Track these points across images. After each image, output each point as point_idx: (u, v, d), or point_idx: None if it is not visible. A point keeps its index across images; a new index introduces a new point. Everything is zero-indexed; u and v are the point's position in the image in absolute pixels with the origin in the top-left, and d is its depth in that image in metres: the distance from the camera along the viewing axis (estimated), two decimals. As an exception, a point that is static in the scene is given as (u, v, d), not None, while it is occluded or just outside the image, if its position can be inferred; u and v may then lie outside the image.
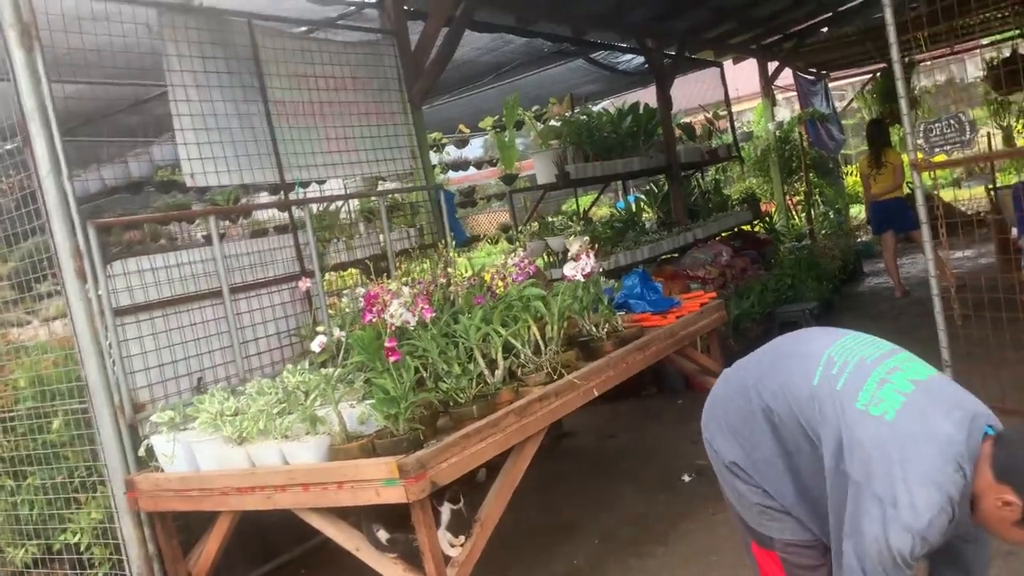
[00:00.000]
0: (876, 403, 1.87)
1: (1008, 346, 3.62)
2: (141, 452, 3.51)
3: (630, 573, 3.60)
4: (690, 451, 4.95)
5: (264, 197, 6.50)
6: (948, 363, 3.45)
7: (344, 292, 4.69)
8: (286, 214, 4.47)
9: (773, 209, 10.54)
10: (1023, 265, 5.04)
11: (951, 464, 1.76)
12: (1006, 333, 3.52)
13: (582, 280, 3.99)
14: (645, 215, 8.74)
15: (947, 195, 13.24)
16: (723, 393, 2.27)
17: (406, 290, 3.50)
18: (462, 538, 3.14)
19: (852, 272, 9.64)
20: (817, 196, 10.89)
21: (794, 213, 10.75)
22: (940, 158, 3.52)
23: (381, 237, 5.04)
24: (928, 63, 12.78)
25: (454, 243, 4.79)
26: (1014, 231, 6.84)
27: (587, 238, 4.28)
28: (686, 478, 4.57)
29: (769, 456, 2.08)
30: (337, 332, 3.59)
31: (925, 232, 3.45)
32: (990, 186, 9.13)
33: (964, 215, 9.54)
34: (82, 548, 3.67)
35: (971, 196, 11.80)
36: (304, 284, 4.28)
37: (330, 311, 4.44)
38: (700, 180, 9.59)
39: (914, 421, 1.82)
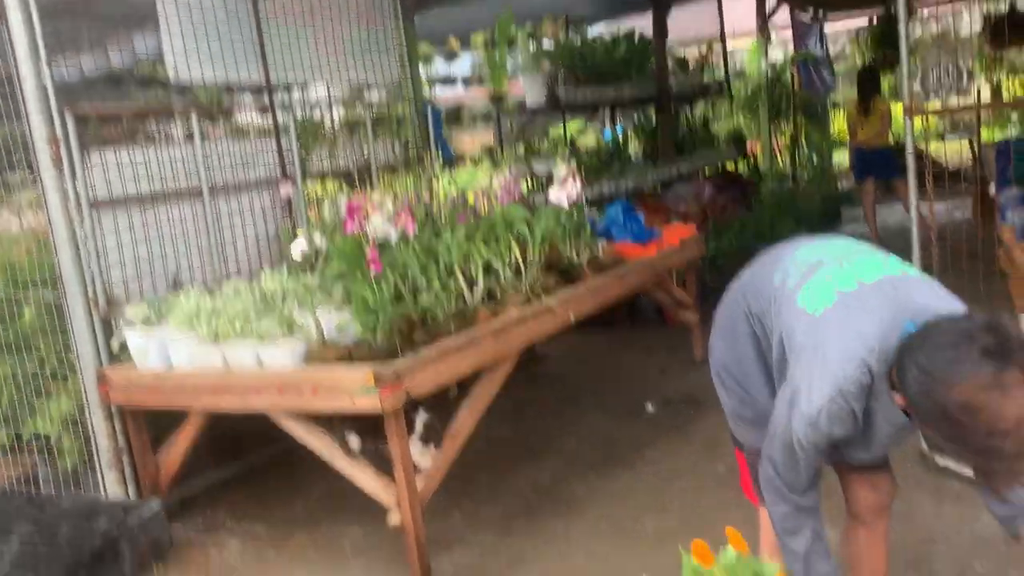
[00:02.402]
0: (813, 300, 1.89)
1: (982, 299, 3.68)
2: (114, 347, 3.50)
3: (594, 494, 3.68)
4: (659, 382, 5.03)
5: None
6: (920, 311, 3.51)
7: (325, 200, 4.65)
8: (269, 120, 4.36)
9: (759, 149, 10.50)
10: (1001, 220, 5.08)
11: (852, 361, 1.76)
12: (980, 286, 3.57)
13: (566, 205, 3.98)
14: (631, 147, 8.67)
15: (932, 147, 13.28)
16: (725, 300, 2.29)
17: (389, 203, 3.48)
18: (432, 449, 3.19)
19: (831, 217, 9.69)
20: (803, 140, 10.85)
21: (779, 155, 10.72)
22: (933, 105, 3.50)
23: (365, 149, 4.97)
24: (926, 12, 12.63)
25: (440, 160, 4.74)
26: (993, 186, 6.90)
27: (575, 163, 4.24)
28: (650, 408, 4.65)
29: (750, 359, 2.11)
30: (318, 239, 3.56)
31: (911, 177, 3.46)
32: (973, 140, 9.16)
33: (946, 168, 9.58)
34: (51, 438, 3.69)
35: (960, 149, 11.83)
36: (285, 189, 4.23)
37: (310, 218, 4.39)
38: (689, 115, 9.51)
39: (836, 318, 1.83)
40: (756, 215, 7.71)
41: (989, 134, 11.42)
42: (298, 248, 3.30)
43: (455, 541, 3.40)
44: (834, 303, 1.86)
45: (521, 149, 6.87)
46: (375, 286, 3.00)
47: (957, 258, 3.63)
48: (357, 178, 4.00)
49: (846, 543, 2.33)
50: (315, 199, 4.72)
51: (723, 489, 3.49)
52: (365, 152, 4.94)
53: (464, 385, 3.46)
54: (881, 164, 7.81)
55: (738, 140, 9.45)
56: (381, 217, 3.26)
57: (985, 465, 1.63)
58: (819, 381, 1.79)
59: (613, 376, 5.41)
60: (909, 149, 3.47)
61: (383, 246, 3.30)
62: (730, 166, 9.27)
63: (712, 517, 3.19)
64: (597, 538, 3.31)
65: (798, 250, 2.13)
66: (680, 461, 3.91)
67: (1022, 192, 5.27)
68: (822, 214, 9.21)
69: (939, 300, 1.84)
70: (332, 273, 3.25)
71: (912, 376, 1.64)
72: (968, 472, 3.32)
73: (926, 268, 3.63)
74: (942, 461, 3.46)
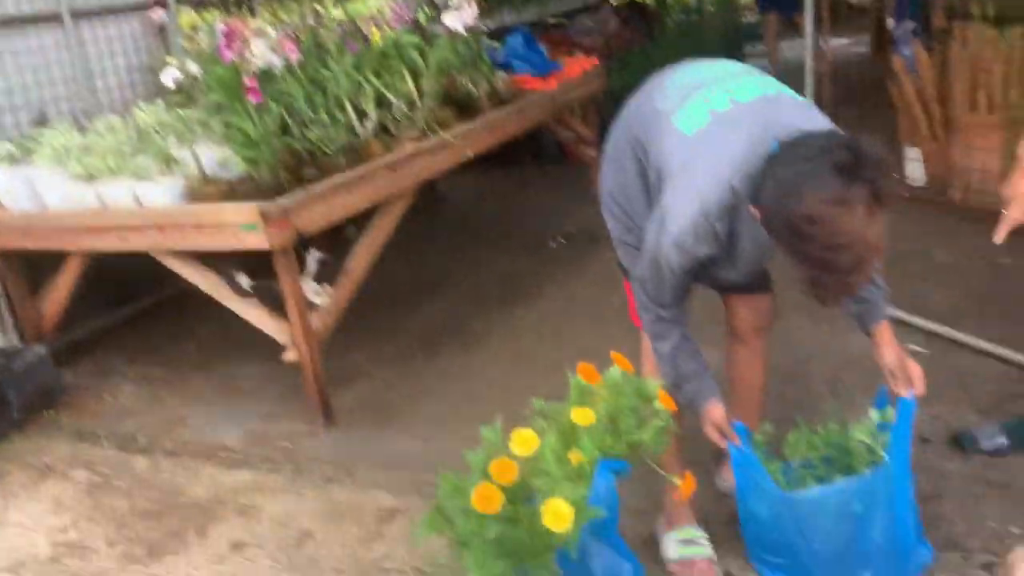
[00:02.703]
0: (688, 122, 1.87)
1: (876, 131, 3.76)
2: (-23, 187, 3.26)
3: (494, 327, 3.74)
4: (560, 218, 5.05)
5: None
6: (811, 141, 3.56)
7: (202, 28, 4.31)
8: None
9: (665, -20, 10.22)
10: (895, 53, 5.14)
11: (717, 182, 1.76)
12: (875, 119, 3.63)
13: (463, 33, 3.80)
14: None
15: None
16: (613, 127, 2.23)
17: (271, 30, 3.24)
18: (328, 287, 3.15)
19: (733, 51, 9.64)
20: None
21: (685, -14, 10.47)
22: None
23: (246, -29, 4.59)
24: None
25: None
26: (890, 20, 6.95)
27: (471, -12, 4.02)
28: (552, 244, 4.69)
29: (635, 186, 2.09)
30: (193, 68, 3.32)
31: (808, 9, 3.42)
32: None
33: (847, 2, 9.59)
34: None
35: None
36: (156, 14, 3.89)
37: (186, 47, 4.08)
38: (595, -58, 9.11)
39: (706, 138, 1.82)
40: (661, 47, 7.59)
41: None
42: (169, 76, 3.07)
43: (356, 376, 3.42)
44: (707, 123, 1.83)
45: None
46: (257, 118, 2.84)
47: (854, 91, 3.66)
48: (236, 3, 3.70)
49: (727, 362, 2.43)
50: (191, 26, 4.38)
51: (618, 320, 3.57)
52: (245, -25, 4.57)
53: (362, 224, 3.38)
54: (784, -2, 7.75)
55: (645, -30, 9.15)
56: (262, 44, 3.04)
57: (818, 277, 1.67)
58: (685, 201, 1.79)
59: (515, 214, 5.40)
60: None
61: (266, 76, 3.10)
62: (636, -3, 9.01)
63: (605, 346, 3.28)
64: (496, 367, 3.39)
65: (680, 73, 2.08)
66: (578, 294, 3.98)
67: (916, 25, 5.32)
68: (725, 47, 9.13)
69: (810, 120, 1.83)
70: (210, 105, 3.05)
71: (767, 189, 1.66)
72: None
73: (819, 101, 3.67)
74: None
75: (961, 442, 2.50)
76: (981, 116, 4.09)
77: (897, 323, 3.27)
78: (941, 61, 4.46)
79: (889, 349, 2.06)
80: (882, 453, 1.97)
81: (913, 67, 4.63)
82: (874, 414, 2.07)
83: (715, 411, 2.01)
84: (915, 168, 4.70)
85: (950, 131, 4.37)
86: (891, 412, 2.02)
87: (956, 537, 2.16)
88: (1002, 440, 2.45)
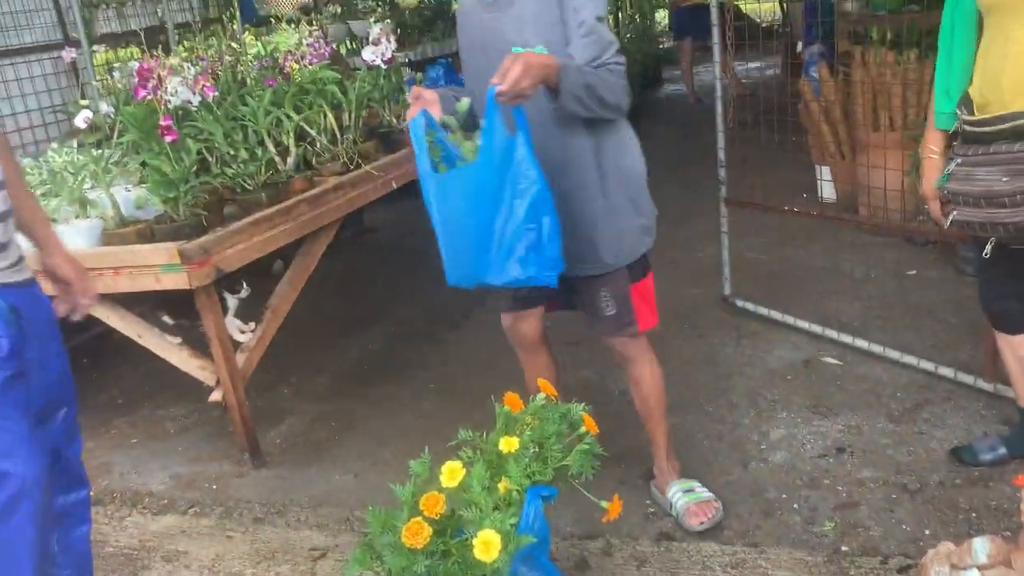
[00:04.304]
0: None
1: (788, 149, 3.90)
2: None
3: (423, 358, 3.74)
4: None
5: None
6: (723, 163, 3.68)
7: (116, 66, 4.25)
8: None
9: (583, 9, 10.45)
10: (804, 75, 5.35)
11: None
12: (782, 137, 3.77)
13: (383, 67, 3.82)
14: (456, 6, 8.40)
15: (745, 6, 13.66)
16: None
17: (188, 67, 3.22)
18: (252, 324, 3.12)
19: (652, 78, 9.89)
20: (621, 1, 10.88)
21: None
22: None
23: (159, 7, 4.54)
24: None
25: (240, 18, 4.41)
26: (800, 44, 7.23)
27: (388, 22, 4.06)
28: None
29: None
30: (105, 108, 3.27)
31: (716, 33, 3.55)
32: (784, -1, 9.49)
33: (759, 26, 9.91)
34: None
35: (773, 8, 12.21)
36: (68, 55, 3.82)
37: (100, 88, 4.02)
38: (513, -28, 9.27)
39: None
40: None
41: (799, -7, 11.84)
42: (83, 118, 3.01)
43: (284, 413, 3.39)
44: None
45: (338, 9, 6.49)
46: (174, 157, 2.81)
47: (766, 112, 3.80)
48: (148, 41, 3.66)
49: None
50: (104, 65, 4.31)
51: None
52: (159, 11, 4.52)
53: (290, 259, 3.36)
54: (699, 24, 7.98)
55: None
56: (177, 81, 3.02)
57: None
58: None
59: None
60: (714, 3, 3.53)
61: (183, 113, 3.08)
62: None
63: (535, 370, 3.33)
64: (425, 399, 3.39)
65: None
66: (506, 320, 4.02)
67: (823, 49, 5.55)
68: (643, 74, 9.37)
69: None
70: (125, 145, 3.00)
71: None
72: (763, 311, 3.62)
73: (728, 123, 3.80)
74: (741, 303, 3.74)
75: (961, 456, 2.52)
76: (883, 135, 4.29)
77: (811, 336, 3.40)
78: (845, 83, 4.67)
79: None
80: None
81: (819, 90, 4.83)
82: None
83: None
84: (826, 187, 4.89)
85: (856, 150, 4.57)
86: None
87: (873, 542, 2.24)
88: (1002, 451, 2.49)
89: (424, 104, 2.10)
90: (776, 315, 3.57)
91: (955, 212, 2.17)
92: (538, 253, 2.01)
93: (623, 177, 2.23)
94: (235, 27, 3.86)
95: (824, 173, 4.87)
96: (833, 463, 2.61)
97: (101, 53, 4.33)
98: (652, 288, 2.37)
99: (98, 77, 4.05)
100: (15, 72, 3.77)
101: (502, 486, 1.79)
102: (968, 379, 2.89)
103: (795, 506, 2.43)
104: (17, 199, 1.86)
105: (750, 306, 3.69)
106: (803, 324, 3.46)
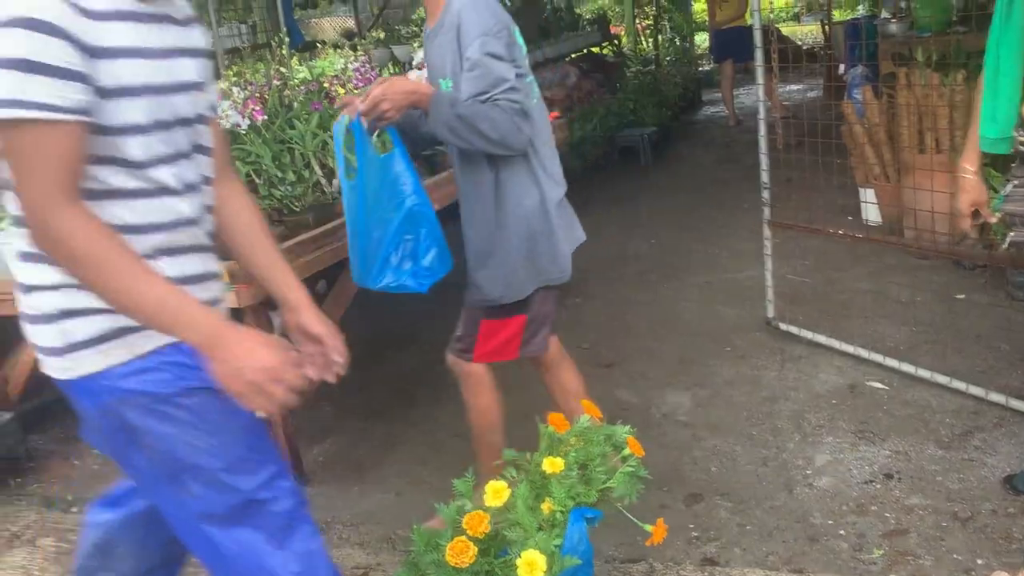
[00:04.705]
0: None
1: (832, 171, 3.88)
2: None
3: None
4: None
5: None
6: (767, 185, 3.66)
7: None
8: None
9: (623, 32, 10.51)
10: (847, 97, 5.31)
11: None
12: (825, 159, 3.74)
13: (425, 90, 3.88)
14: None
15: (786, 29, 13.65)
16: None
17: (237, 91, 3.30)
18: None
19: (692, 100, 9.89)
20: (666, 22, 10.91)
21: (642, 38, 10.77)
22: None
23: (210, 34, 4.66)
24: None
25: (288, 43, 4.50)
26: (842, 66, 7.19)
27: (432, 46, 4.11)
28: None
29: None
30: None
31: (759, 57, 3.54)
32: (824, 21, 9.46)
33: (801, 48, 9.88)
34: None
35: (815, 31, 12.18)
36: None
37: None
38: (552, -4, 9.37)
39: None
40: (619, 99, 7.78)
41: (841, 14, 11.81)
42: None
43: (326, 431, 3.42)
44: None
45: (381, 34, 6.59)
46: (224, 179, 2.87)
47: (809, 134, 3.78)
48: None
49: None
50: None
51: (587, 367, 3.63)
52: (210, 37, 4.64)
53: (333, 279, 3.40)
54: (739, 46, 7.96)
55: (602, 23, 9.41)
56: (227, 105, 3.09)
57: None
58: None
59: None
60: (757, 25, 3.53)
61: (234, 138, 3.14)
62: (595, 49, 9.25)
63: (575, 392, 3.32)
64: (463, 418, 3.39)
65: None
66: (546, 341, 4.02)
67: (867, 71, 5.52)
68: (683, 96, 9.38)
69: None
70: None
71: None
72: (807, 334, 3.58)
73: (772, 144, 3.79)
74: (784, 326, 3.70)
75: (1014, 484, 2.47)
76: (930, 157, 4.24)
77: (856, 360, 3.36)
78: (889, 105, 4.63)
79: None
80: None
81: (863, 112, 4.79)
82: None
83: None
84: (870, 209, 4.84)
85: (901, 172, 4.52)
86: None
87: (924, 571, 2.20)
88: None
89: (351, 112, 2.19)
90: (821, 338, 3.53)
91: (1012, 233, 2.14)
92: (413, 262, 2.24)
93: (522, 216, 2.29)
94: (283, 52, 3.93)
95: (868, 195, 4.82)
96: (881, 489, 2.56)
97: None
98: (514, 332, 2.43)
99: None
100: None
101: (546, 507, 1.79)
102: (1020, 406, 2.83)
103: (842, 532, 2.39)
104: (247, 240, 1.64)
105: (794, 329, 3.65)
106: (848, 348, 3.42)
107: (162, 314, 1.31)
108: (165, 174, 1.40)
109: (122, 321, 1.38)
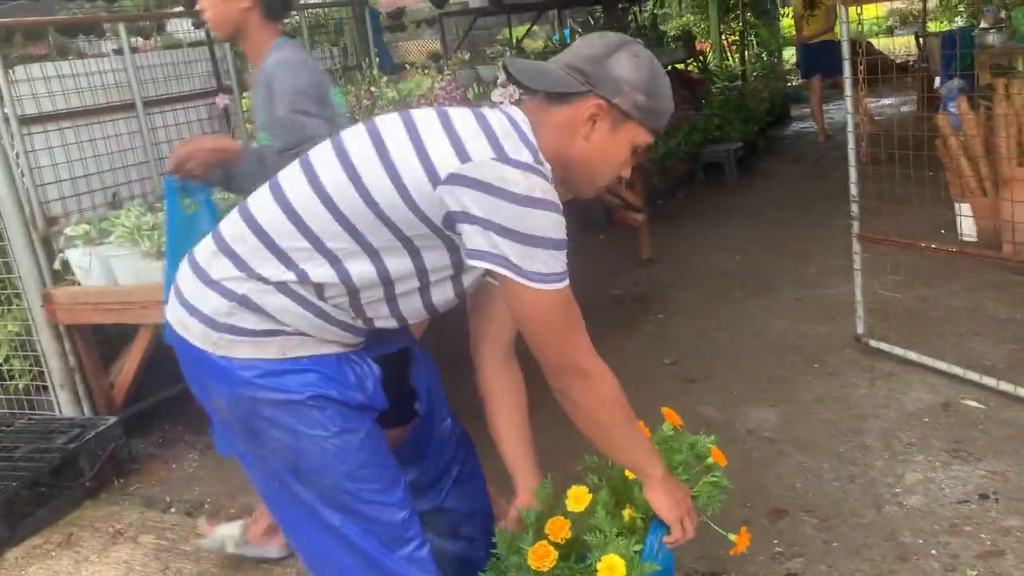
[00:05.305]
0: None
1: (925, 186, 3.78)
2: (56, 266, 3.47)
3: (541, 388, 3.75)
4: (607, 282, 5.12)
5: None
6: (856, 198, 3.59)
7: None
8: (202, 31, 4.23)
9: (708, 48, 10.44)
10: (942, 110, 5.16)
11: None
12: (917, 173, 3.65)
13: (511, 107, 3.95)
14: (580, 48, 8.55)
15: (879, 42, 13.30)
16: None
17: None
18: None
19: (779, 115, 9.74)
20: (752, 37, 10.80)
21: (728, 53, 10.68)
22: (871, -5, 3.50)
23: (304, 56, 4.86)
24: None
25: (378, 65, 4.65)
26: (937, 79, 6.98)
27: (517, 64, 4.19)
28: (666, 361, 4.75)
29: None
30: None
31: (846, 70, 3.48)
32: (919, 33, 9.20)
33: (893, 62, 9.64)
34: (1, 360, 3.67)
35: (908, 44, 11.86)
36: (222, 101, 4.14)
37: (249, 130, 4.32)
38: (637, 14, 9.38)
39: None
40: (705, 115, 7.72)
41: (937, 26, 11.46)
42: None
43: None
44: None
45: (467, 55, 6.73)
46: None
47: (902, 148, 3.69)
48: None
49: None
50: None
51: (667, 379, 3.62)
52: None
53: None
54: (827, 60, 7.80)
55: (688, 39, 9.37)
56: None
57: None
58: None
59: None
60: (845, 38, 3.48)
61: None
62: (680, 66, 9.22)
63: (655, 404, 3.30)
64: (544, 433, 3.40)
65: None
66: (627, 354, 4.01)
67: (963, 83, 5.35)
68: (770, 111, 9.25)
69: None
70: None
71: None
72: (899, 352, 3.48)
73: (860, 159, 3.71)
74: (875, 343, 3.61)
75: None
76: (1029, 170, 4.08)
77: (950, 378, 3.25)
78: (987, 117, 4.48)
79: None
80: None
81: (958, 124, 4.65)
82: None
83: None
84: (966, 223, 4.68)
85: (999, 186, 4.36)
86: None
87: (1021, 595, 2.12)
88: None
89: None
90: (913, 356, 3.43)
91: None
92: None
93: None
94: (374, 74, 4.07)
95: (964, 209, 4.66)
96: (975, 509, 2.47)
97: (249, 98, 4.66)
98: None
99: (247, 121, 4.36)
100: (174, 117, 4.09)
101: (627, 513, 1.80)
102: None
103: (933, 552, 2.32)
104: (509, 421, 2.20)
105: (884, 346, 3.56)
106: (942, 366, 3.31)
107: (644, 455, 1.77)
108: None
109: (282, 327, 1.57)
